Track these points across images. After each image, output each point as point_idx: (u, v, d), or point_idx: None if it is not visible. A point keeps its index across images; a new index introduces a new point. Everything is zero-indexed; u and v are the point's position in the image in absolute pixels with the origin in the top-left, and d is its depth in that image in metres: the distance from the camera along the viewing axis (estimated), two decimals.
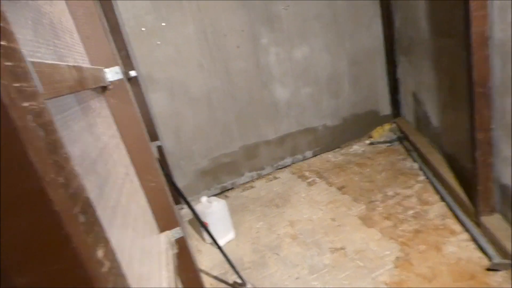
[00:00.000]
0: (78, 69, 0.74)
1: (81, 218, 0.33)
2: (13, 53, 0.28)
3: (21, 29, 0.56)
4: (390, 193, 2.72)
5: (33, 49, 0.62)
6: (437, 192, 2.55)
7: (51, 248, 0.29)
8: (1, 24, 0.28)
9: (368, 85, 3.73)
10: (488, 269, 1.80)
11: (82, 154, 0.75)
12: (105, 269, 0.35)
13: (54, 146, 0.32)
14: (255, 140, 3.44)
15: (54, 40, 0.78)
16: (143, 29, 2.79)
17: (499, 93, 1.78)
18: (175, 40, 2.92)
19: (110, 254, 0.39)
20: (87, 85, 0.77)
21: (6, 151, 0.26)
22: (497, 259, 1.80)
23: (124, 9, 2.70)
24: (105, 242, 0.38)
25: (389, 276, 1.92)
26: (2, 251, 0.28)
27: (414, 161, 3.10)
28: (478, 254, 1.92)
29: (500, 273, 1.77)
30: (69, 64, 0.68)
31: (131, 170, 1.26)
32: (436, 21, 2.58)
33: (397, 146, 3.52)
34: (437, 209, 2.39)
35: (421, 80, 3.10)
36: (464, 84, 1.98)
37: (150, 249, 1.19)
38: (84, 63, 1.03)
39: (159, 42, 2.87)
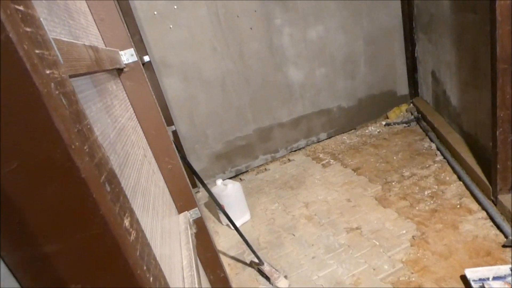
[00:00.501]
0: (95, 49, 0.74)
1: (107, 187, 0.33)
2: (32, 20, 0.28)
3: (35, 6, 0.56)
4: (407, 173, 2.69)
5: (49, 28, 0.62)
6: (455, 172, 2.50)
7: (80, 215, 0.30)
8: None
9: (386, 65, 3.62)
10: (504, 246, 1.79)
11: (101, 134, 0.76)
12: (132, 237, 0.36)
13: (77, 116, 0.32)
14: (269, 122, 3.43)
15: (69, 21, 0.78)
16: (155, 12, 2.78)
17: None
18: (188, 23, 2.89)
19: (136, 223, 0.40)
20: (103, 66, 0.77)
21: (31, 118, 0.26)
22: None
23: None
24: (131, 212, 0.39)
25: (405, 255, 1.92)
26: (33, 218, 0.29)
27: (432, 141, 3.03)
28: (494, 231, 1.89)
29: None
30: (85, 43, 0.69)
31: (149, 152, 1.28)
32: None
33: (414, 126, 3.45)
34: (454, 188, 2.35)
35: (441, 58, 2.99)
36: (487, 61, 1.90)
37: (170, 229, 1.22)
38: (99, 45, 1.03)
39: (171, 26, 2.85)
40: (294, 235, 2.37)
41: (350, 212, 2.42)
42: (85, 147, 0.31)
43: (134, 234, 0.38)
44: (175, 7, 2.81)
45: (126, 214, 0.37)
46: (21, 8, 0.26)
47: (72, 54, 0.54)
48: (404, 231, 2.09)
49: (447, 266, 1.78)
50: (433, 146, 2.96)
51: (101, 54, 0.79)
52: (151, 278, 0.40)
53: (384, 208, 2.36)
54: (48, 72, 0.28)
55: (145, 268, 0.38)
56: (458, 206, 2.18)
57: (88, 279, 0.33)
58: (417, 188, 2.47)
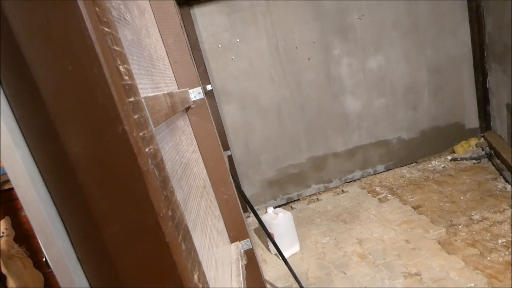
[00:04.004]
0: (171, 95, 0.82)
1: (183, 246, 0.37)
2: (138, 105, 0.34)
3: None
4: (476, 217, 2.43)
5: (137, 81, 0.71)
6: None
7: (161, 272, 0.34)
8: (130, 82, 0.33)
9: (452, 96, 3.40)
10: None
11: (170, 172, 0.83)
12: None
13: (164, 182, 0.37)
14: (323, 152, 3.39)
15: (151, 69, 0.88)
16: (219, 45, 2.98)
17: None
18: (248, 54, 3.04)
19: (203, 276, 0.43)
20: (177, 110, 0.85)
21: (133, 192, 0.31)
22: None
23: (203, 27, 2.91)
24: (199, 266, 0.42)
25: None
26: (124, 272, 0.34)
27: (507, 182, 2.72)
28: None
29: None
30: (164, 92, 0.77)
31: (208, 183, 1.35)
32: None
33: (485, 163, 3.13)
34: None
35: None
36: None
37: (223, 259, 1.26)
38: (173, 85, 1.14)
39: (233, 57, 3.02)
40: (345, 273, 2.25)
41: (409, 255, 2.24)
42: (169, 212, 0.35)
43: None
44: (238, 40, 2.99)
45: (195, 269, 0.41)
46: (132, 99, 0.32)
47: (155, 107, 0.61)
48: (473, 284, 1.87)
49: None
50: (509, 187, 2.65)
51: (175, 98, 0.88)
52: None
53: (448, 255, 2.15)
54: (147, 150, 0.33)
55: None
56: None
57: None
58: (489, 235, 2.22)
